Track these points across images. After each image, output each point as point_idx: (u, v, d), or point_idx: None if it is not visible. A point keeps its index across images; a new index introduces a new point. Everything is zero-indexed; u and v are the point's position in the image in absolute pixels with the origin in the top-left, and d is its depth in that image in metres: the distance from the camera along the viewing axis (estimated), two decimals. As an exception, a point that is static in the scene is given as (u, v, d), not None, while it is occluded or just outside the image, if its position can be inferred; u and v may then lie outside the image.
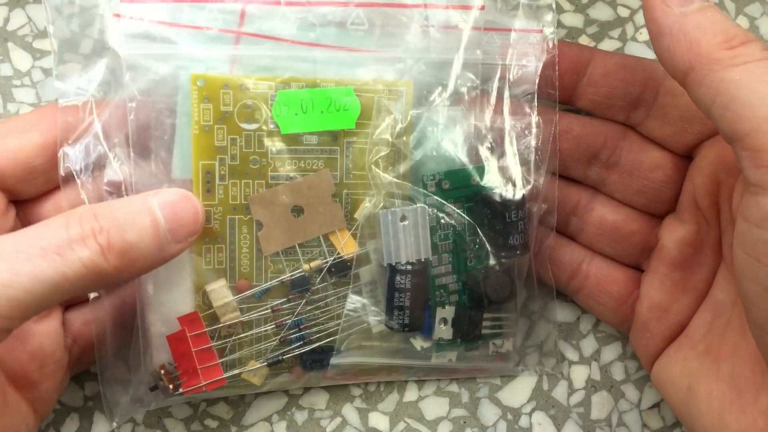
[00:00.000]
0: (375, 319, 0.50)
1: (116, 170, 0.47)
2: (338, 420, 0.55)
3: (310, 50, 0.48)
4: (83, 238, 0.40)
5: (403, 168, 0.49)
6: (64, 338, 0.49)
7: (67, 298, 0.41)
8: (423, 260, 0.49)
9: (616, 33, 0.60)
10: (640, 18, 0.60)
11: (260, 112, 0.47)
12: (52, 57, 0.48)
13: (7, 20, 0.57)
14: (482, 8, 0.49)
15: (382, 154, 0.48)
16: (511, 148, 0.51)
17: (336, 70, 0.48)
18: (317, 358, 0.51)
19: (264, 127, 0.47)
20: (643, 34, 0.60)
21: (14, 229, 0.48)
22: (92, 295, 0.49)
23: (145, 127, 0.47)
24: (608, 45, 0.59)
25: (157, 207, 0.43)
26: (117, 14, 0.46)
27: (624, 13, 0.60)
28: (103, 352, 0.50)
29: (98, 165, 0.48)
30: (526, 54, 0.51)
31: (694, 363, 0.49)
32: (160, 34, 0.46)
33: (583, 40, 0.59)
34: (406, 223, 0.48)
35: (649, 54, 0.59)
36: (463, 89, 0.50)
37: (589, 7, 0.60)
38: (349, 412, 0.56)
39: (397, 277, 0.48)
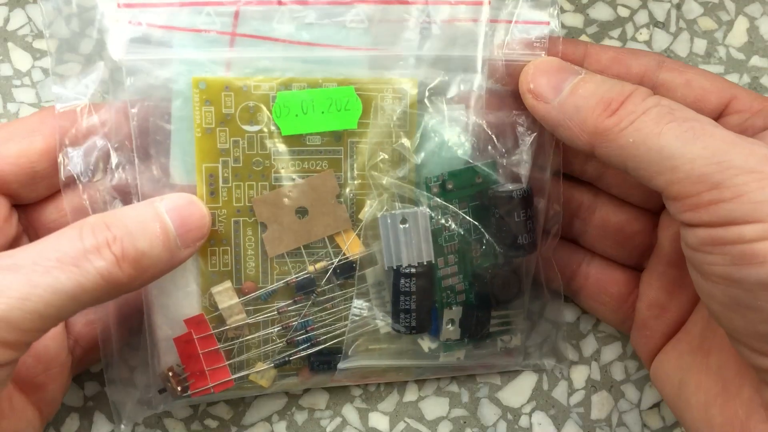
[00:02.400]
0: (382, 321, 0.50)
1: (121, 175, 0.47)
2: (338, 420, 0.55)
3: (311, 50, 0.47)
4: (98, 249, 0.40)
5: (407, 169, 0.49)
6: (67, 340, 0.49)
7: (83, 309, 0.41)
8: (427, 263, 0.48)
9: (616, 33, 0.60)
10: (640, 18, 0.60)
11: (262, 114, 0.47)
12: (49, 60, 0.48)
13: (7, 20, 0.57)
14: (484, 2, 0.49)
15: (383, 157, 0.48)
16: (516, 146, 0.50)
17: (337, 69, 0.48)
18: (325, 360, 0.51)
19: (266, 129, 0.47)
20: (643, 34, 0.60)
21: (17, 234, 0.48)
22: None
23: (146, 132, 0.47)
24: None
25: (165, 212, 0.44)
26: (115, 19, 0.46)
27: (624, 13, 0.60)
28: (108, 354, 0.50)
29: (100, 169, 0.48)
30: (531, 47, 0.50)
31: (687, 358, 0.49)
32: (158, 39, 0.46)
33: (583, 40, 0.59)
34: (407, 225, 0.48)
35: (649, 54, 0.59)
36: (467, 86, 0.49)
37: (589, 7, 0.60)
38: (349, 412, 0.56)
39: (402, 280, 0.48)
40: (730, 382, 0.46)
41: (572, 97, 0.45)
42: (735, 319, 0.41)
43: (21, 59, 0.57)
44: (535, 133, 0.50)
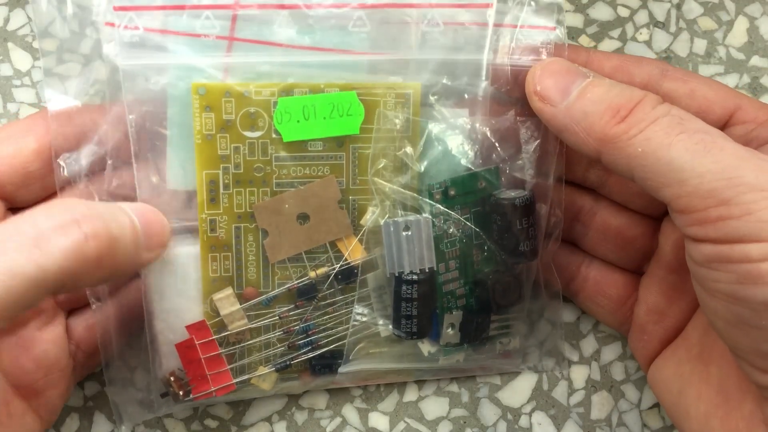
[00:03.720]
0: (383, 325, 0.50)
1: (119, 180, 0.47)
2: (338, 420, 0.56)
3: (312, 54, 0.47)
4: (63, 227, 0.38)
5: (410, 175, 0.48)
6: (68, 344, 0.49)
7: (52, 294, 0.39)
8: (428, 269, 0.48)
9: (616, 33, 0.60)
10: (640, 18, 0.60)
11: (263, 120, 0.47)
12: (42, 60, 0.47)
13: (7, 20, 0.57)
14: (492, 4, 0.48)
15: (386, 163, 0.48)
16: (519, 152, 0.50)
17: (339, 74, 0.47)
18: (326, 364, 0.51)
19: (267, 135, 0.47)
20: (643, 34, 0.60)
21: None
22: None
23: (144, 137, 0.47)
24: (608, 45, 0.59)
25: (131, 212, 0.43)
26: (110, 23, 0.45)
27: (624, 13, 0.60)
28: (109, 357, 0.50)
29: (96, 174, 0.48)
30: (537, 53, 0.49)
31: (687, 366, 0.49)
32: (155, 43, 0.46)
33: (583, 40, 0.59)
34: (409, 233, 0.48)
35: (650, 54, 0.59)
36: (471, 91, 0.49)
37: (589, 7, 0.60)
38: (349, 412, 0.56)
39: (404, 287, 0.48)
40: (731, 395, 0.45)
41: (580, 102, 0.44)
42: (738, 336, 0.41)
43: (21, 59, 0.57)
44: (538, 140, 0.50)
